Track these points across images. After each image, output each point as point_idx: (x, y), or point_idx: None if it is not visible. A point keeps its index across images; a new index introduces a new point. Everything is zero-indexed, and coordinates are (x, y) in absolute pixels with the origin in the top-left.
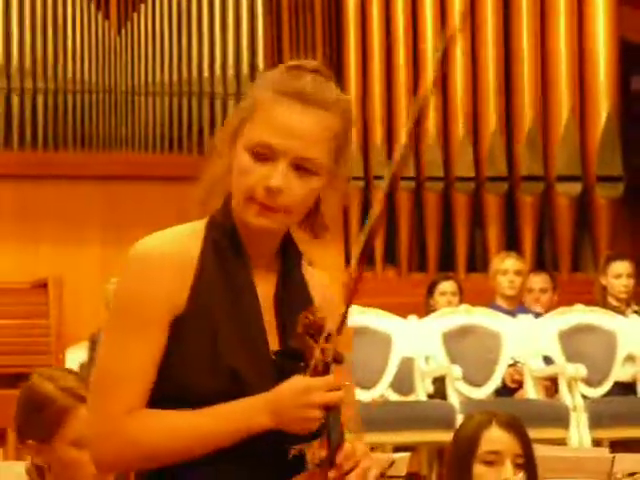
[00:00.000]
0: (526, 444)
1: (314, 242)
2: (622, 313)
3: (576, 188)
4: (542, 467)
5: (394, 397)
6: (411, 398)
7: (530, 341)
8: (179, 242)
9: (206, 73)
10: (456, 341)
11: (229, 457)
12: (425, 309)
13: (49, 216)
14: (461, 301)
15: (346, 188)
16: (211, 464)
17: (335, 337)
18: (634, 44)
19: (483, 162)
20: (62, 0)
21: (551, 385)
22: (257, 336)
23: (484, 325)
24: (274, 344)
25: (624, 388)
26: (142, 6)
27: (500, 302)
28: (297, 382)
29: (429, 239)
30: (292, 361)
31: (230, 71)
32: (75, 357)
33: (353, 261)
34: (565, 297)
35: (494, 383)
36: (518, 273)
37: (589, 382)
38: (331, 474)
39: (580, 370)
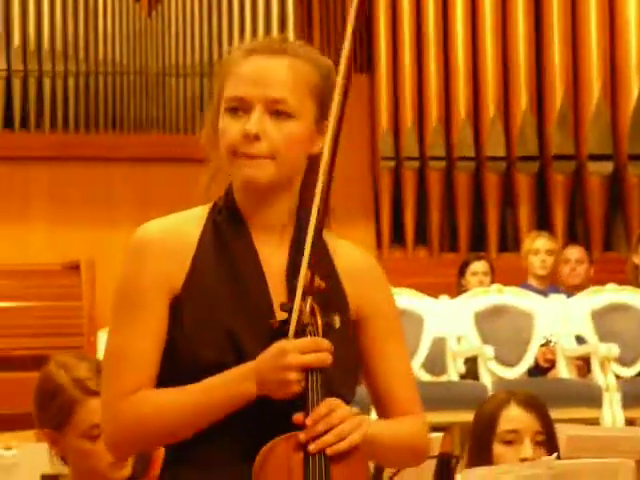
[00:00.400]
0: (546, 421)
1: (345, 222)
2: None
3: (607, 167)
4: (575, 447)
5: (426, 377)
6: (443, 378)
7: (562, 320)
8: (179, 226)
9: None
10: (488, 321)
11: (223, 432)
12: (457, 289)
13: (81, 198)
14: (493, 281)
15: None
16: (208, 440)
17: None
18: None
19: (514, 141)
20: None
21: (583, 365)
22: (258, 301)
23: (516, 305)
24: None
25: None
26: None
27: (532, 282)
28: (274, 345)
29: (460, 219)
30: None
31: None
32: None
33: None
34: (597, 276)
35: (526, 363)
36: (550, 252)
37: (622, 361)
38: (301, 435)
39: (613, 349)
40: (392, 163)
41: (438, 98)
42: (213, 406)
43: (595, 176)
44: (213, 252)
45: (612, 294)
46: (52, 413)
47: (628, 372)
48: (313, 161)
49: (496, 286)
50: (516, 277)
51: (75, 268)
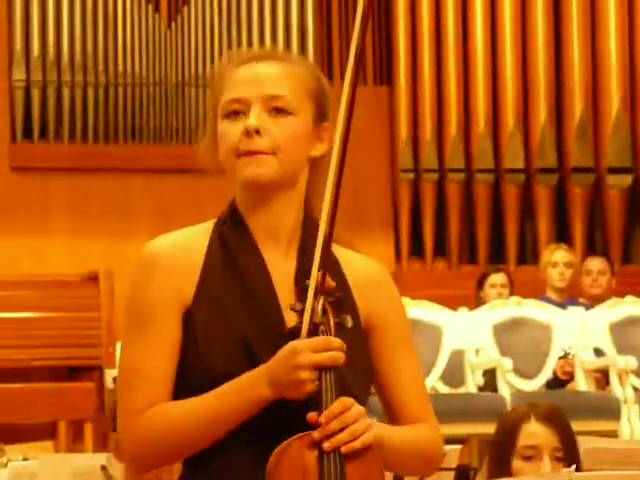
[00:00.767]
0: (566, 436)
1: (364, 234)
2: None
3: (627, 180)
4: (593, 459)
5: (444, 390)
6: (461, 390)
7: (581, 333)
8: (186, 240)
9: None
10: (507, 333)
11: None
12: (475, 301)
13: (100, 209)
14: (511, 293)
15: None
16: (224, 448)
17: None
18: None
19: (533, 154)
20: None
21: (602, 377)
22: (268, 309)
23: (534, 317)
24: (294, 320)
25: None
26: None
27: (550, 294)
28: (286, 346)
29: (479, 231)
30: (297, 332)
31: None
32: None
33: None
34: (616, 289)
35: (545, 375)
36: (568, 265)
37: None
38: (315, 434)
39: (631, 362)
40: (411, 175)
41: (457, 110)
42: (228, 413)
43: (614, 189)
44: (221, 262)
45: (631, 306)
46: None
47: None
48: (314, 166)
49: (515, 298)
50: (535, 289)
51: (94, 279)
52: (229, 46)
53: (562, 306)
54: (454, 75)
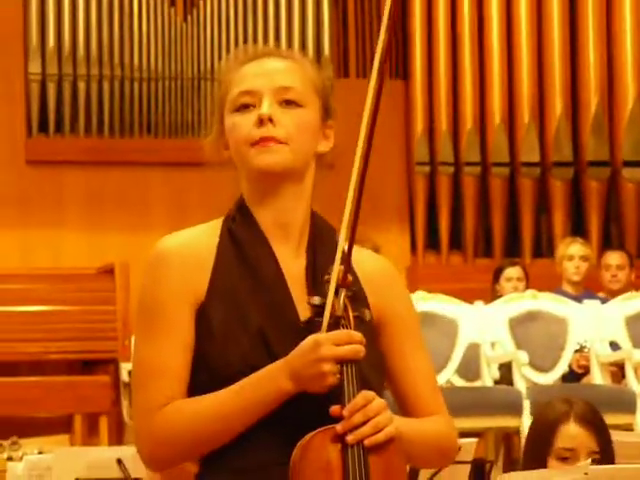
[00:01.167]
0: (604, 438)
1: (380, 227)
2: None
3: None
4: None
5: (460, 383)
6: (477, 384)
7: (596, 326)
8: (196, 238)
9: None
10: (522, 327)
11: (259, 434)
12: (491, 295)
13: (115, 202)
14: (527, 287)
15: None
16: (244, 444)
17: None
18: None
19: (549, 147)
20: None
21: (618, 371)
22: (281, 301)
23: (550, 310)
24: (307, 314)
25: None
26: None
27: (566, 287)
28: (307, 339)
29: (495, 225)
30: (316, 326)
31: None
32: None
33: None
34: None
35: (561, 369)
36: (584, 258)
37: None
38: (339, 427)
39: None
40: (427, 168)
41: (473, 103)
42: (248, 408)
43: (630, 182)
44: (232, 258)
45: None
46: None
47: None
48: (319, 164)
49: (530, 292)
50: (550, 283)
51: (109, 272)
52: (245, 40)
53: (578, 299)
54: (470, 68)
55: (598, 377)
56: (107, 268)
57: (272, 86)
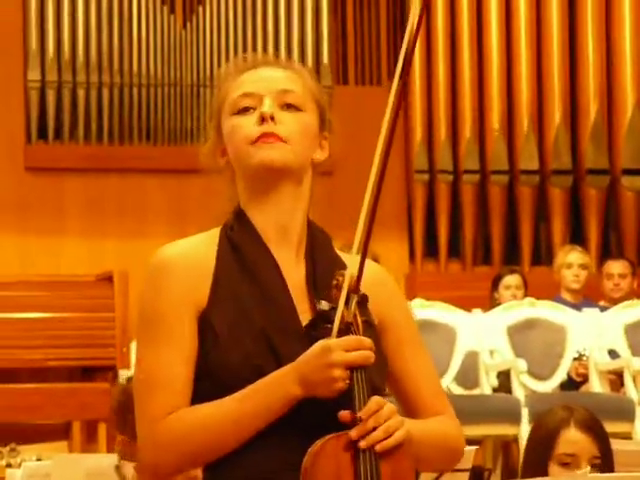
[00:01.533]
0: (604, 444)
1: (378, 235)
2: None
3: None
4: None
5: (459, 391)
6: (476, 392)
7: (595, 335)
8: (195, 246)
9: None
10: (521, 334)
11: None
12: (490, 303)
13: (115, 209)
14: (526, 294)
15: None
16: (251, 450)
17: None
18: None
19: (548, 155)
20: None
21: (616, 379)
22: (283, 305)
23: (549, 318)
24: (308, 319)
25: None
26: (207, 0)
27: (565, 295)
28: (317, 344)
29: (494, 232)
30: (324, 331)
31: None
32: None
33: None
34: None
35: (559, 377)
36: (583, 267)
37: None
38: (353, 432)
39: None
40: (426, 176)
41: (472, 111)
42: (255, 413)
43: (629, 190)
44: (233, 265)
45: None
46: (131, 425)
47: None
48: (314, 173)
49: (529, 300)
50: (549, 291)
51: (108, 279)
52: (244, 47)
53: (577, 307)
54: (469, 76)
55: (597, 385)
56: (106, 275)
57: (273, 89)
